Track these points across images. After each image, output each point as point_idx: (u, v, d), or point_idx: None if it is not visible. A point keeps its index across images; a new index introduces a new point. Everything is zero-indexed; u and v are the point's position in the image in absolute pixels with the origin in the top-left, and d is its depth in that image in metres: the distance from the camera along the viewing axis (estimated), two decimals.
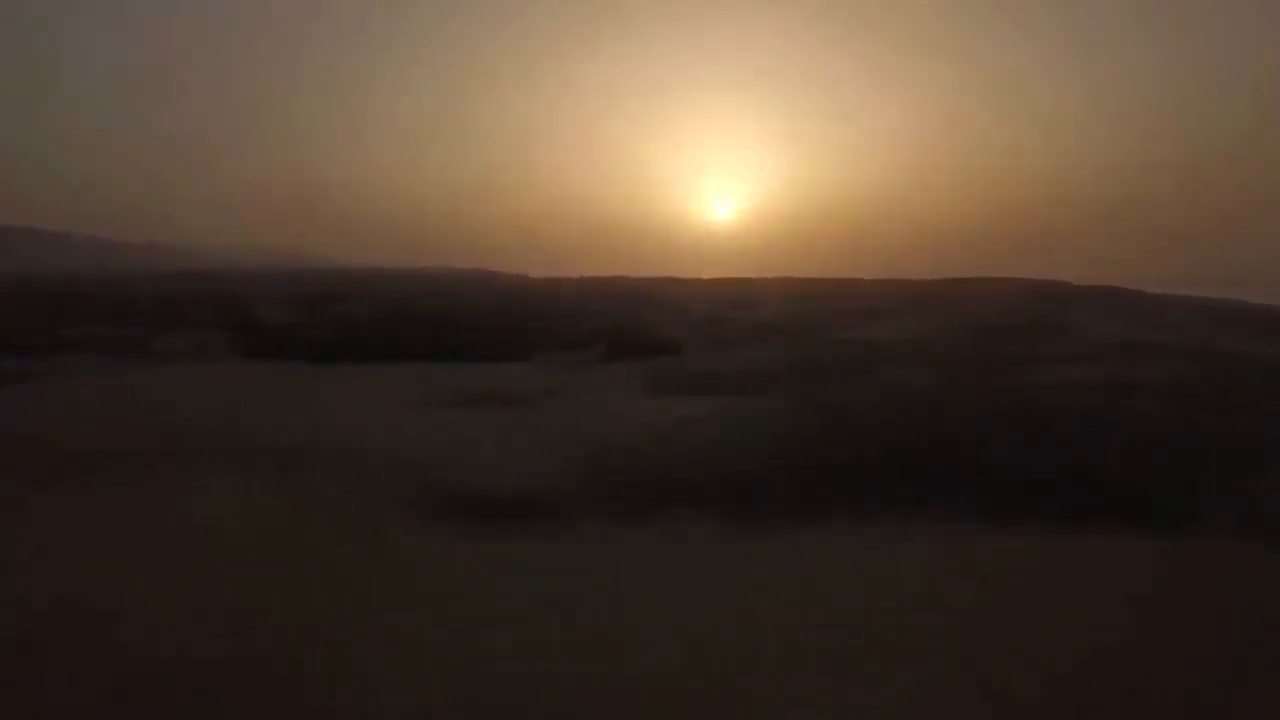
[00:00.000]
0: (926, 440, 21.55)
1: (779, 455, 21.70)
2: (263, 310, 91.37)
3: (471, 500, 19.64)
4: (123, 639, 12.38)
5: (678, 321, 76.16)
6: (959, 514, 18.05)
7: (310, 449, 23.90)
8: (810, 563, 16.01)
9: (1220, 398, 27.46)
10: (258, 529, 17.43)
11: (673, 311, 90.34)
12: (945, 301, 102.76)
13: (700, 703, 10.83)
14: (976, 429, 22.02)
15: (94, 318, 77.86)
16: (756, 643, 12.53)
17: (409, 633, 12.75)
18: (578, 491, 20.17)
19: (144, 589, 14.15)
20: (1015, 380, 31.01)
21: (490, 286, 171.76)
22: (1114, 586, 14.60)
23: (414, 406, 32.00)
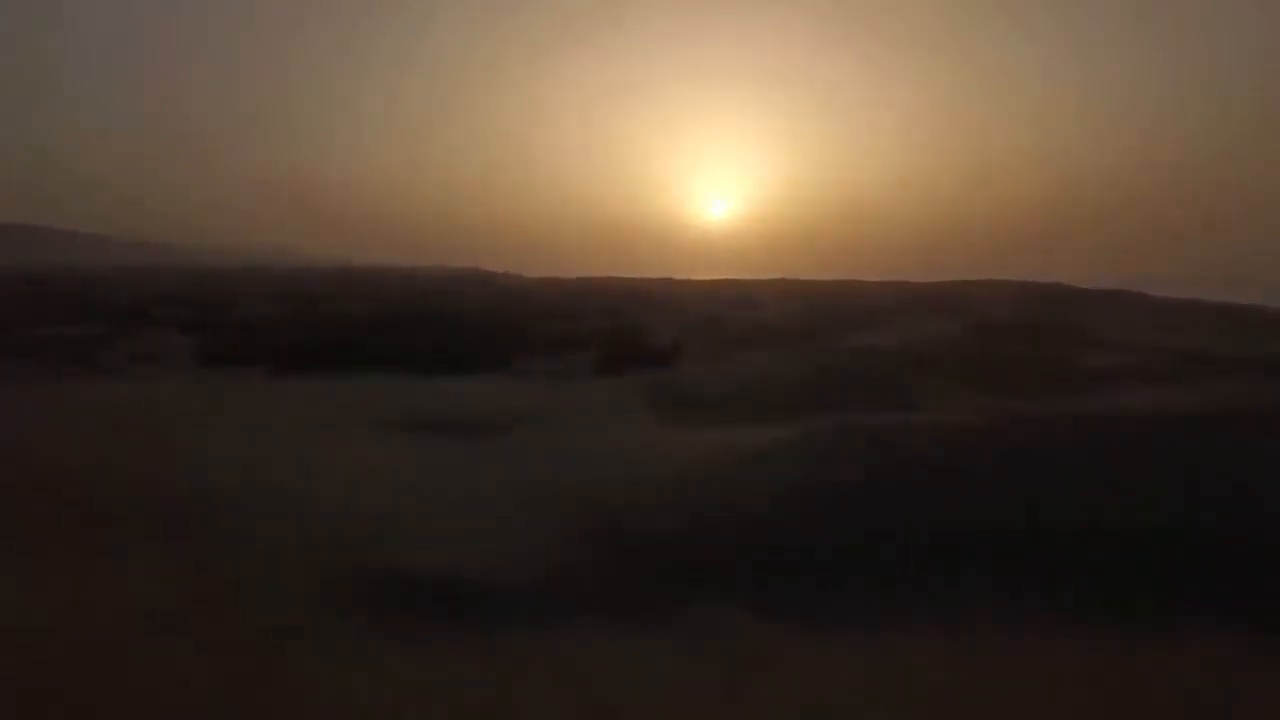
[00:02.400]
0: (1026, 498, 16.40)
1: (827, 516, 16.57)
2: (237, 311, 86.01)
3: (416, 586, 14.39)
4: None
5: (677, 323, 71.02)
6: (1104, 604, 12.92)
7: (221, 503, 18.59)
8: (895, 675, 10.90)
9: None
10: (90, 639, 12.07)
11: (672, 313, 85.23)
12: (949, 303, 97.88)
13: None
14: (1091, 482, 16.86)
15: (55, 318, 72.47)
16: None
17: None
18: (562, 573, 14.93)
19: None
20: (1092, 407, 26.00)
21: (484, 286, 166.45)
22: None
23: (370, 437, 26.72)
